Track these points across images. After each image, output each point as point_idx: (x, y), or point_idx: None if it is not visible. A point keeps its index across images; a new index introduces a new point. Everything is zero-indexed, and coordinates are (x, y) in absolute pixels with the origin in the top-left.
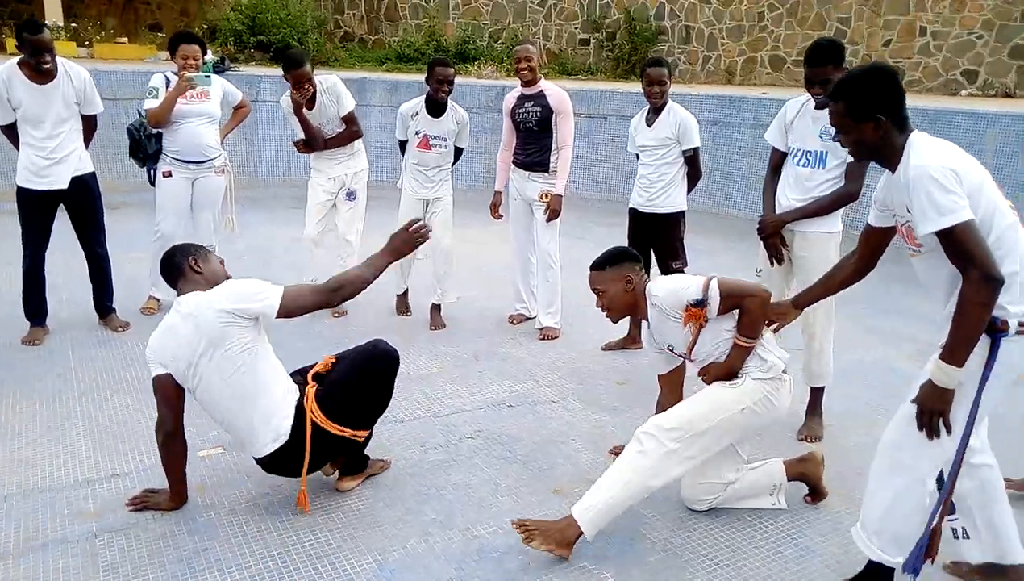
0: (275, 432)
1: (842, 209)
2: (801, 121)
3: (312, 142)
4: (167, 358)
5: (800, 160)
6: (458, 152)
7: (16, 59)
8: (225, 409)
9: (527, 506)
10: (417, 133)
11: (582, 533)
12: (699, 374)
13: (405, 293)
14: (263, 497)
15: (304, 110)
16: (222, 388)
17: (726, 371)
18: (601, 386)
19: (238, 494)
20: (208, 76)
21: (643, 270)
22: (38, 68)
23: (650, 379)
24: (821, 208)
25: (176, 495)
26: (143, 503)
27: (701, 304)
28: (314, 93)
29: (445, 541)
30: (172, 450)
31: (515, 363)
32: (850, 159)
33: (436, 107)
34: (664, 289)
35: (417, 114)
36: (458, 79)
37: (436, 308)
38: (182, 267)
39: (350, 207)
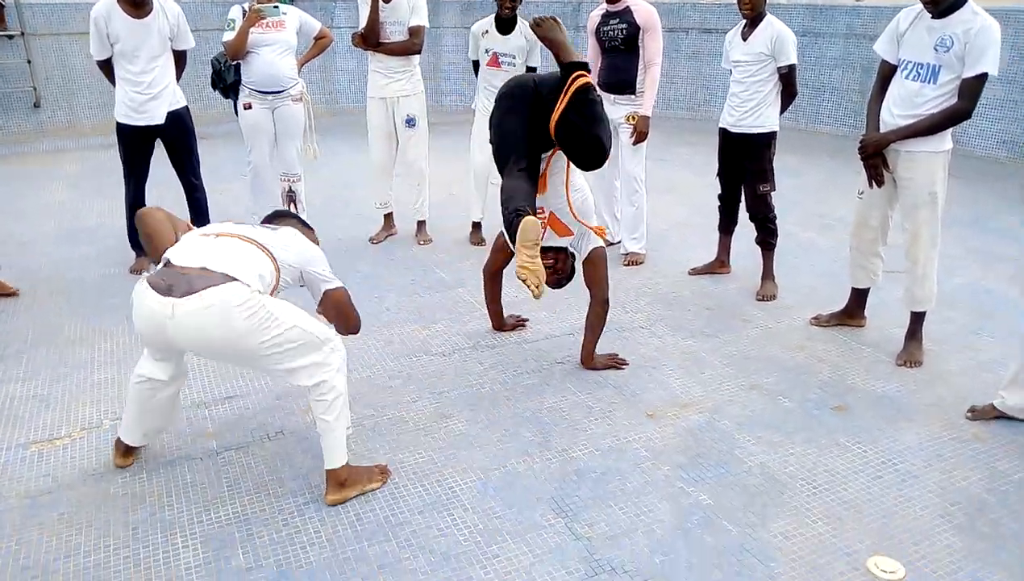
0: None
1: (952, 128)
2: (914, 31)
3: (369, 33)
4: None
5: (910, 74)
6: (531, 73)
7: None
8: None
9: (621, 429)
10: (487, 51)
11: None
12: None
13: (478, 223)
14: (368, 419)
15: (381, 0)
16: None
17: None
18: (690, 311)
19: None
20: (277, 7)
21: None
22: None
23: (739, 304)
24: (930, 126)
25: None
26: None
27: None
28: None
29: (544, 462)
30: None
31: None
32: (967, 74)
33: (504, 24)
34: None
35: (487, 32)
36: None
37: None
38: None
39: (412, 133)
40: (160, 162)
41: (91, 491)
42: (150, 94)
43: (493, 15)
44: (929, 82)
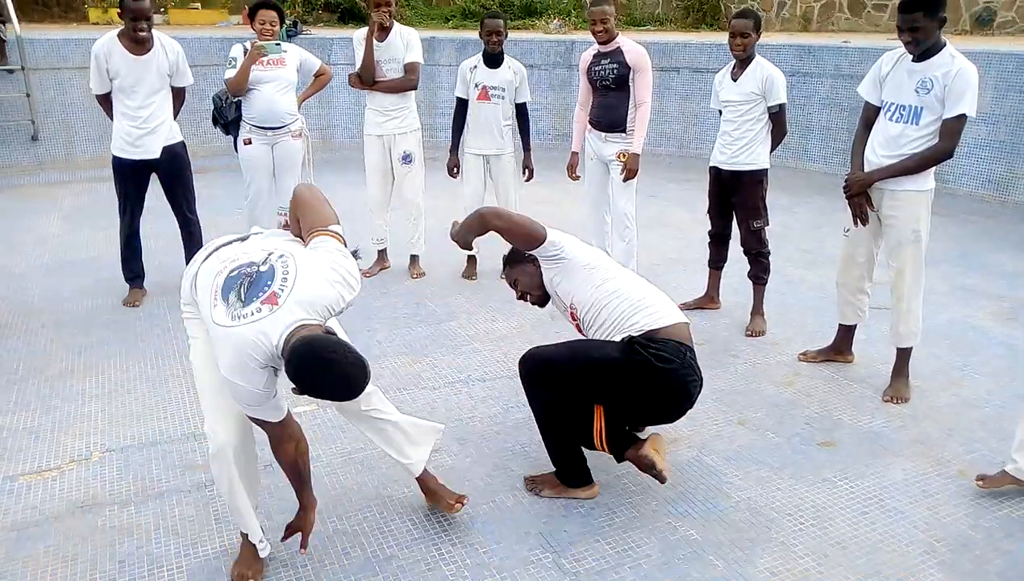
0: None
1: (935, 167)
2: (896, 74)
3: (365, 72)
4: None
5: (893, 115)
6: (522, 111)
7: (116, 31)
8: None
9: (609, 464)
10: (476, 85)
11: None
12: None
13: (472, 258)
14: (358, 452)
15: (375, 40)
16: None
17: None
18: None
19: (334, 449)
20: (279, 44)
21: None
22: (135, 36)
23: (728, 340)
24: (913, 166)
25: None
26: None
27: None
28: (390, 29)
29: (532, 497)
30: None
31: None
32: (947, 116)
33: (492, 59)
34: None
35: (476, 67)
36: (525, 34)
37: None
38: None
39: (408, 170)
40: (156, 195)
41: (78, 524)
42: (147, 129)
43: (480, 52)
44: (912, 123)
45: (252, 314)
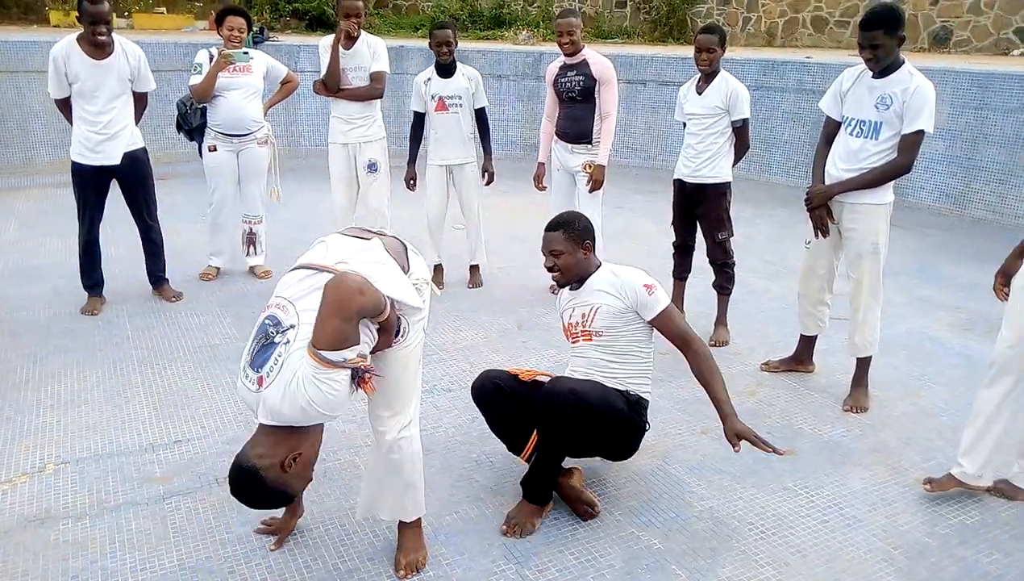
0: None
1: (893, 181)
2: (857, 90)
3: (329, 79)
4: None
5: (853, 130)
6: (481, 116)
7: (75, 34)
8: None
9: None
10: (433, 97)
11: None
12: None
13: (438, 267)
14: (320, 463)
15: (341, 47)
16: None
17: None
18: None
19: None
20: (246, 52)
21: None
22: (94, 40)
23: None
24: (872, 180)
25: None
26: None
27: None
28: (357, 37)
29: (496, 507)
30: None
31: (558, 333)
32: (906, 131)
33: (444, 69)
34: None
35: (430, 79)
36: (493, 45)
37: (475, 268)
38: None
39: (374, 179)
40: (116, 201)
41: (30, 538)
42: (107, 134)
43: (432, 65)
44: (871, 138)
45: (249, 382)
